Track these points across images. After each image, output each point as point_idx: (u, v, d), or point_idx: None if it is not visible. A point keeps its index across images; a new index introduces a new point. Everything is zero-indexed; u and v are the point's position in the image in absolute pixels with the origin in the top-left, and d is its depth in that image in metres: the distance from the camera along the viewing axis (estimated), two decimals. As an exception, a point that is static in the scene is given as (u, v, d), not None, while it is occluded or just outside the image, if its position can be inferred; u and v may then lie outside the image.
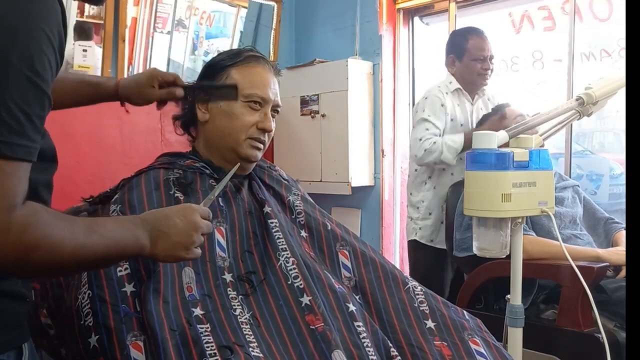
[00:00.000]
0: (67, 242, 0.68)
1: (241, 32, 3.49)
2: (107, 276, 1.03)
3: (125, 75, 3.04)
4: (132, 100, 1.26)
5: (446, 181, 2.39)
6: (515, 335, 1.40)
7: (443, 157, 2.23)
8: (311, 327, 1.05)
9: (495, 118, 2.24)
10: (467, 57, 2.37)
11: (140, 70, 3.14)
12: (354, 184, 3.19)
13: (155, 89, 1.23)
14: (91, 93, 1.26)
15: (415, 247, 2.50)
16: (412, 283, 1.23)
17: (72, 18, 2.74)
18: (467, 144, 2.17)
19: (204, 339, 0.97)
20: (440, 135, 2.31)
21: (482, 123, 2.32)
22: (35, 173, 0.69)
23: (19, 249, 0.64)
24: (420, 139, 2.29)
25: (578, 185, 2.18)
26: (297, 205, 1.30)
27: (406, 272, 2.48)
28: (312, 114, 3.29)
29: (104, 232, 0.74)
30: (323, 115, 3.25)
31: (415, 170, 2.50)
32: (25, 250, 0.64)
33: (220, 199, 1.21)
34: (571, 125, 2.56)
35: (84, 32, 2.81)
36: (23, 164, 0.65)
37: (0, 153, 0.62)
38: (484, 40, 2.38)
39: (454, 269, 2.45)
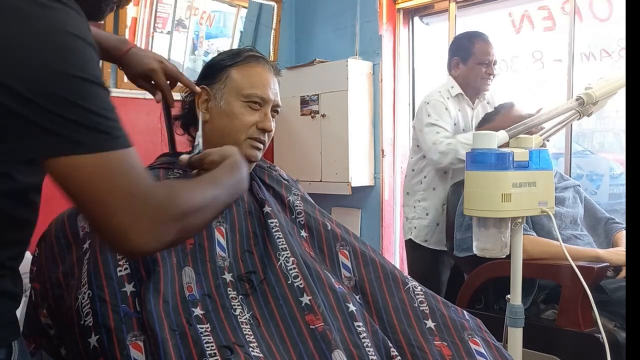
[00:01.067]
0: (208, 205, 0.80)
1: (241, 32, 3.49)
2: (107, 276, 1.03)
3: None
4: (127, 73, 1.25)
5: (446, 184, 2.38)
6: (515, 335, 1.40)
7: (459, 156, 2.22)
8: (311, 326, 1.05)
9: (505, 111, 2.20)
10: (472, 61, 2.36)
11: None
12: (354, 184, 3.19)
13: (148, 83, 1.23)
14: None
15: (411, 247, 2.51)
16: (412, 283, 1.23)
17: (72, 18, 2.74)
18: None
19: (204, 339, 0.97)
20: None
21: (487, 121, 2.30)
22: (27, 177, 0.71)
23: (176, 224, 0.73)
24: (434, 143, 2.28)
25: (579, 185, 2.17)
26: (297, 205, 1.30)
27: (406, 272, 2.48)
28: (312, 114, 3.29)
29: (222, 185, 0.87)
30: (323, 115, 3.25)
31: (413, 170, 2.50)
32: (180, 225, 0.74)
33: (220, 199, 1.20)
34: (571, 125, 2.56)
35: (84, 32, 2.81)
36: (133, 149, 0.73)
37: (120, 144, 0.70)
38: (490, 45, 2.38)
39: (450, 268, 2.45)
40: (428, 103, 2.37)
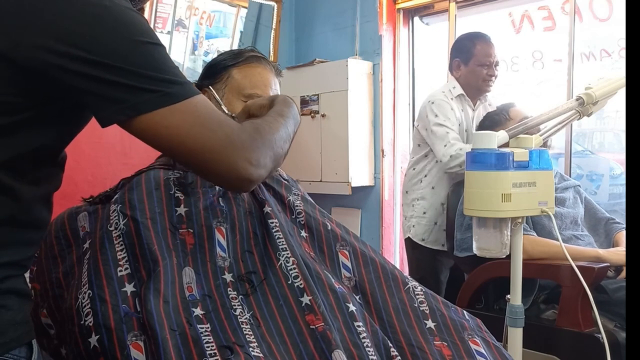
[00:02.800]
0: (279, 140, 0.87)
1: (241, 32, 3.49)
2: (107, 276, 1.03)
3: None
4: None
5: (445, 183, 2.39)
6: (515, 335, 1.40)
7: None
8: (311, 326, 1.05)
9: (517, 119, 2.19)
10: (473, 62, 2.36)
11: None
12: (354, 184, 3.19)
13: None
14: None
15: (410, 246, 2.51)
16: (412, 283, 1.23)
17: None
18: None
19: (204, 339, 0.97)
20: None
21: (497, 124, 2.29)
22: (51, 180, 0.76)
23: (269, 152, 0.81)
24: (445, 145, 2.27)
25: (579, 186, 2.17)
26: (297, 205, 1.30)
27: (406, 272, 2.48)
28: (312, 114, 3.29)
29: (287, 117, 0.96)
30: (323, 115, 3.25)
31: (413, 169, 2.50)
32: (272, 152, 0.82)
33: (220, 199, 1.21)
34: (571, 125, 2.56)
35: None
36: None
37: (193, 91, 0.76)
38: (491, 46, 2.37)
39: (449, 268, 2.46)
40: (433, 103, 2.36)
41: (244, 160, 0.76)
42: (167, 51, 0.80)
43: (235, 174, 0.76)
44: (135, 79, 0.71)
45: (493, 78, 2.38)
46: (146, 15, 3.09)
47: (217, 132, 0.75)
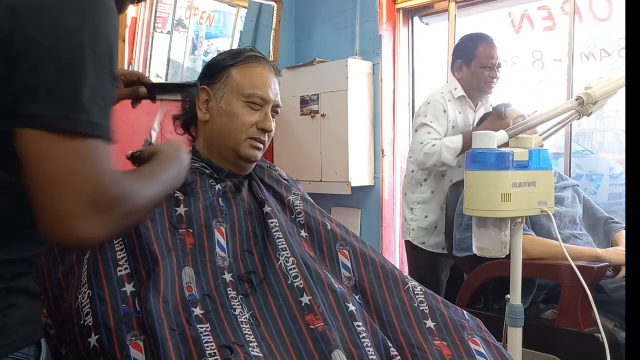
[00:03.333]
0: (148, 201, 0.79)
1: (241, 32, 3.49)
2: (107, 276, 1.03)
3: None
4: None
5: (444, 187, 2.38)
6: (515, 335, 1.41)
7: (443, 159, 2.22)
8: (311, 327, 1.05)
9: (493, 117, 2.24)
10: (475, 64, 2.35)
11: (140, 70, 3.14)
12: (354, 184, 3.19)
13: (121, 88, 1.19)
14: None
15: (410, 248, 2.51)
16: (412, 283, 1.23)
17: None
18: (467, 144, 2.17)
19: (204, 339, 0.97)
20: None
21: (483, 121, 2.32)
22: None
23: (115, 215, 0.71)
24: (422, 143, 2.28)
25: (578, 185, 2.17)
26: (297, 205, 1.30)
27: (406, 272, 2.48)
28: (312, 114, 3.29)
29: (163, 179, 0.87)
30: (323, 115, 3.25)
31: (413, 171, 2.50)
32: (122, 217, 0.72)
33: (220, 199, 1.21)
34: (571, 125, 2.56)
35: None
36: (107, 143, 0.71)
37: (95, 134, 0.68)
38: (494, 47, 2.36)
39: (450, 268, 2.45)
40: (429, 104, 2.37)
41: (79, 220, 0.67)
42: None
43: (64, 229, 0.67)
44: (51, 93, 0.66)
45: (495, 80, 2.37)
46: (146, 15, 3.09)
47: (71, 179, 0.66)
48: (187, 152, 1.02)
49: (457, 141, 2.24)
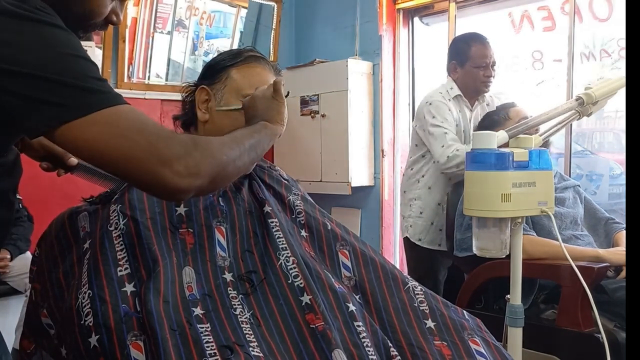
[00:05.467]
0: (228, 157, 0.84)
1: (241, 32, 3.49)
2: (107, 276, 1.03)
3: (126, 75, 3.04)
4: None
5: (441, 184, 2.39)
6: (515, 335, 1.41)
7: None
8: (311, 326, 1.05)
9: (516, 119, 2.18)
10: (469, 64, 2.36)
11: (140, 70, 3.14)
12: (354, 184, 3.19)
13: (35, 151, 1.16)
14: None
15: (408, 245, 2.52)
16: (412, 283, 1.23)
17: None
18: None
19: (204, 339, 0.97)
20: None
21: (496, 124, 2.29)
22: (4, 178, 0.72)
23: (206, 167, 0.77)
24: (443, 146, 2.28)
25: (579, 185, 2.17)
26: (297, 205, 1.30)
27: (406, 272, 2.48)
28: (312, 114, 3.30)
29: (248, 143, 0.94)
30: (323, 115, 3.25)
31: (411, 169, 2.51)
32: (210, 168, 0.78)
33: (220, 199, 1.21)
34: (571, 125, 2.56)
35: (84, 32, 2.81)
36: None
37: (114, 100, 0.73)
38: (487, 46, 2.36)
39: (448, 268, 2.46)
40: (430, 104, 2.37)
41: (169, 169, 0.72)
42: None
43: (162, 183, 0.73)
44: (53, 89, 0.69)
45: (490, 78, 2.38)
46: (146, 15, 3.09)
47: (139, 142, 0.72)
48: (281, 122, 1.13)
49: None
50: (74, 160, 1.19)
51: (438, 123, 2.31)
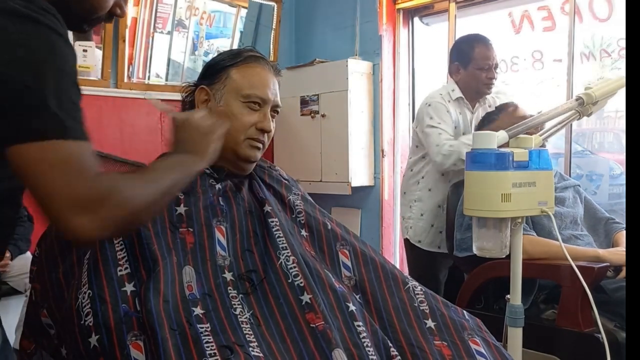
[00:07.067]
0: (145, 200, 0.79)
1: (241, 32, 3.49)
2: (107, 276, 1.03)
3: (125, 75, 3.04)
4: None
5: (441, 185, 2.38)
6: (515, 335, 1.40)
7: (462, 157, 2.21)
8: (311, 325, 1.05)
9: (510, 110, 2.17)
10: (472, 66, 2.34)
11: (140, 70, 3.14)
12: (354, 184, 3.19)
13: None
14: None
15: (408, 246, 2.52)
16: (412, 283, 1.23)
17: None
18: None
19: (204, 339, 0.97)
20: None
21: (488, 121, 2.29)
22: (15, 178, 0.74)
23: (116, 215, 0.74)
24: (437, 145, 2.28)
25: (579, 185, 2.17)
26: (297, 205, 1.30)
27: (406, 272, 2.48)
28: (312, 114, 3.29)
29: (168, 178, 0.88)
30: (323, 115, 3.25)
31: (411, 170, 2.50)
32: (112, 214, 0.74)
33: (220, 198, 1.21)
34: (571, 125, 2.56)
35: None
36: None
37: (76, 136, 0.72)
38: (490, 48, 2.35)
39: (448, 268, 2.46)
40: (429, 105, 2.36)
41: (78, 217, 0.70)
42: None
43: (64, 227, 0.71)
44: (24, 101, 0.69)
45: (493, 80, 2.37)
46: (146, 15, 3.09)
47: (60, 179, 0.70)
48: (207, 159, 1.04)
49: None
50: None
51: (434, 124, 2.31)
